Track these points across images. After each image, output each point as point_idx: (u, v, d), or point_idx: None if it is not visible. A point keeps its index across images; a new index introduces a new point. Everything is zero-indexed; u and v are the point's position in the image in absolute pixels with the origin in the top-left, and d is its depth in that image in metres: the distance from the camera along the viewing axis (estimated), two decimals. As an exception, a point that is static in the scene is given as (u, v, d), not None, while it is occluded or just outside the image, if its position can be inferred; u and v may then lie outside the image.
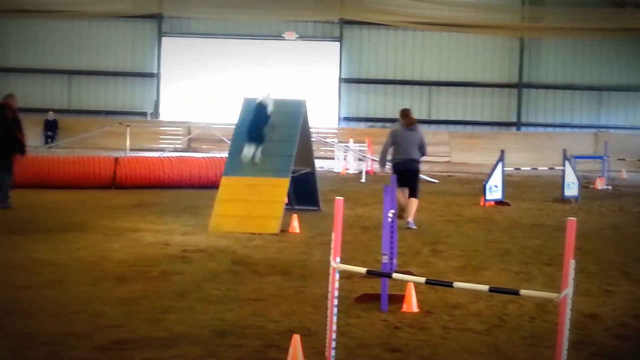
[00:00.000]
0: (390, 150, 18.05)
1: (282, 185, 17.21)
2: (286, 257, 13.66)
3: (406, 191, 17.49)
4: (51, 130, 44.99)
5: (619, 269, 13.37)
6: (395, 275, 8.06)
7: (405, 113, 18.16)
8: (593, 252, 14.73)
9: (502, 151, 23.10)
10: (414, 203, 17.50)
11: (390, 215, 10.33)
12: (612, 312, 10.34)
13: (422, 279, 7.69)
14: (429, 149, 18.78)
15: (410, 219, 17.32)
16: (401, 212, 16.67)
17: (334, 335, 7.74)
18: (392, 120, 47.26)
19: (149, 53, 48.60)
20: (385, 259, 10.15)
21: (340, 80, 47.91)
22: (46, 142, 43.59)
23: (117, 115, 47.03)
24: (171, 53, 48.54)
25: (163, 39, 48.41)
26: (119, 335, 8.74)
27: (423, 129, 18.82)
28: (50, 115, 45.22)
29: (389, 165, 18.28)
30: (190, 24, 48.33)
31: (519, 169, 27.87)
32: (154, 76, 48.51)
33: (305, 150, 18.95)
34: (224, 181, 17.43)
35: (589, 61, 47.60)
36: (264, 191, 16.94)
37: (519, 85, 47.54)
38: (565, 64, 47.69)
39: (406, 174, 17.20)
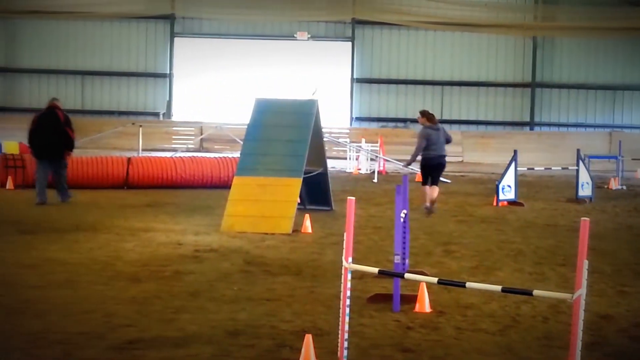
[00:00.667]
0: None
1: (294, 185, 17.19)
2: (298, 257, 13.65)
3: (429, 182, 19.61)
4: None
5: (634, 269, 13.32)
6: (407, 275, 8.04)
7: (429, 114, 19.85)
8: (607, 252, 14.68)
9: (515, 151, 23.03)
10: (436, 190, 19.67)
11: (402, 215, 10.31)
12: (626, 312, 10.30)
13: (435, 279, 7.67)
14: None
15: (429, 203, 19.47)
16: (431, 205, 19.54)
17: (346, 335, 7.72)
18: (404, 120, 47.36)
19: (161, 53, 48.66)
20: (397, 259, 10.13)
21: (353, 80, 47.88)
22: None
23: (129, 115, 47.10)
24: (183, 53, 48.58)
25: (175, 39, 48.46)
26: (132, 335, 8.74)
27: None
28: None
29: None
30: (203, 25, 48.36)
31: (532, 168, 27.78)
32: (166, 76, 48.57)
33: (317, 150, 18.94)
34: (237, 181, 17.43)
35: (603, 60, 47.46)
36: (277, 191, 16.94)
37: (532, 85, 47.43)
38: (578, 63, 47.56)
39: (437, 168, 19.58)
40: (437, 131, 19.52)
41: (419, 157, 19.62)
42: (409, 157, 20.09)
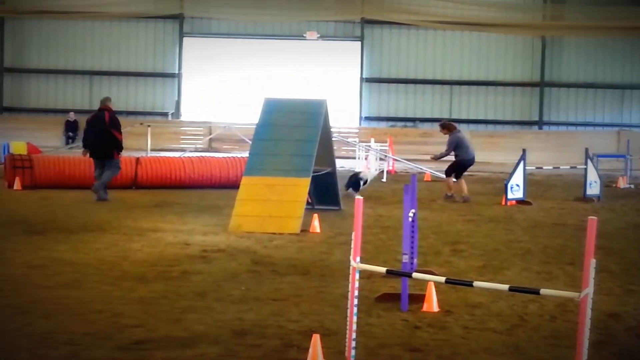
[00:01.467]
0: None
1: (302, 185, 17.19)
2: (306, 257, 13.65)
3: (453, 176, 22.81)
4: (72, 131, 45.14)
5: (641, 268, 13.30)
6: (415, 274, 8.03)
7: (449, 124, 22.99)
8: (615, 251, 14.65)
9: (524, 150, 23.01)
10: (464, 182, 22.71)
11: (410, 214, 10.30)
12: (634, 311, 10.28)
13: (443, 279, 7.66)
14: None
15: (450, 193, 22.65)
16: (452, 195, 22.50)
17: (354, 335, 7.71)
18: (413, 120, 47.38)
19: (170, 53, 48.72)
20: (405, 258, 10.12)
21: (362, 79, 47.89)
22: (67, 143, 43.75)
23: (138, 115, 47.14)
24: (192, 53, 48.64)
25: (184, 39, 48.52)
26: (139, 335, 8.74)
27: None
28: (71, 116, 45.39)
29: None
30: (211, 25, 48.40)
31: (540, 168, 27.74)
32: (175, 76, 48.64)
33: (326, 150, 18.94)
34: (245, 181, 17.44)
35: (611, 59, 47.39)
36: (285, 191, 16.93)
37: (541, 84, 47.38)
38: (587, 62, 47.50)
39: (469, 166, 22.92)
40: (464, 137, 22.76)
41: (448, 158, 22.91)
42: (437, 154, 23.40)
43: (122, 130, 21.07)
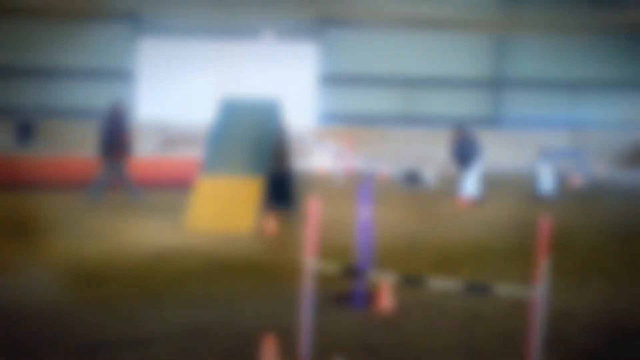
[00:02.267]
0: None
1: (257, 185, 17.17)
2: (262, 257, 13.64)
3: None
4: (24, 132, 44.74)
5: (594, 266, 13.42)
6: (369, 274, 8.05)
7: (460, 129, 23.47)
8: (568, 249, 14.77)
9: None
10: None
11: (365, 214, 10.33)
12: (587, 309, 10.37)
13: (397, 278, 7.69)
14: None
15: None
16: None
17: (308, 335, 7.72)
18: (371, 118, 47.47)
19: (125, 53, 48.44)
20: (360, 258, 10.15)
21: (318, 78, 47.90)
22: (19, 144, 43.36)
23: (92, 116, 46.82)
24: (148, 53, 48.39)
25: (140, 38, 48.28)
26: (96, 337, 8.70)
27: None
28: (23, 117, 44.99)
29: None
30: (169, 24, 48.19)
31: (495, 166, 27.88)
32: (130, 76, 48.38)
33: (281, 149, 18.93)
34: (199, 181, 17.40)
35: (566, 58, 47.75)
36: (239, 191, 16.91)
37: (496, 82, 47.65)
38: (542, 60, 47.83)
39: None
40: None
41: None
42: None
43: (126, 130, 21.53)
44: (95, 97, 47.92)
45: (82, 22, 48.02)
